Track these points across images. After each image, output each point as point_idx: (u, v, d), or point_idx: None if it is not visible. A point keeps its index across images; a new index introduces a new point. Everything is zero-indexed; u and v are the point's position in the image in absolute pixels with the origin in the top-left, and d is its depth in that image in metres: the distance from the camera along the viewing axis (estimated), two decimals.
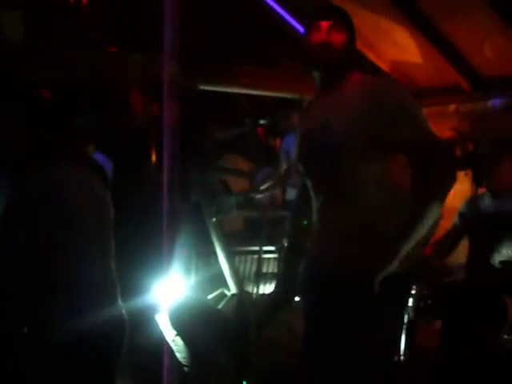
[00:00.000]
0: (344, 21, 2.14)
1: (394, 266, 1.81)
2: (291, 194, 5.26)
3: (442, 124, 6.09)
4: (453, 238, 3.38)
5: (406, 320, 3.19)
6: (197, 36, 5.57)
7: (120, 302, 2.14)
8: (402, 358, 3.22)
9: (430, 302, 3.15)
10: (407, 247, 1.82)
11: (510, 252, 2.18)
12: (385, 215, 1.94)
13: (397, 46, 5.90)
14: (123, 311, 2.16)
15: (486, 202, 3.22)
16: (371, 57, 6.18)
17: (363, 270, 1.82)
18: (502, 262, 2.23)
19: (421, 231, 1.82)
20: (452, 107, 5.95)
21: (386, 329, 1.99)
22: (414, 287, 3.17)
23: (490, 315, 2.47)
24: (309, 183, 2.19)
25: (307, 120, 2.27)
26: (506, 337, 3.82)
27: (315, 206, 2.14)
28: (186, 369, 3.60)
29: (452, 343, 3.19)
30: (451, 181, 1.85)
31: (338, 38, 2.09)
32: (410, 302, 3.18)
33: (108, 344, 2.00)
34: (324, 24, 2.09)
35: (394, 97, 1.95)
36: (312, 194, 2.17)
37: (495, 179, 3.06)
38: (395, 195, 1.95)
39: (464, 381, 3.19)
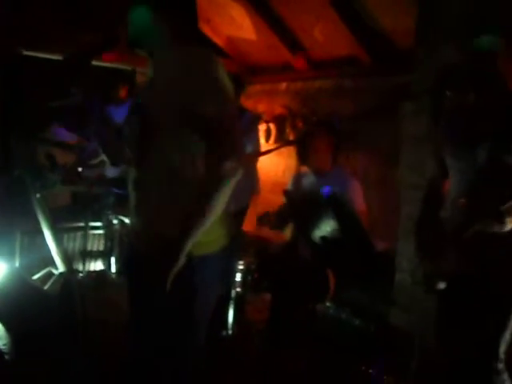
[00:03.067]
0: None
1: (181, 261, 1.82)
2: (112, 171, 5.08)
3: (274, 101, 6.28)
4: (282, 214, 3.49)
5: (233, 295, 3.25)
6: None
7: None
8: (229, 332, 3.28)
9: (257, 275, 3.24)
10: (191, 239, 1.83)
11: (328, 228, 2.29)
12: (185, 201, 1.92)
13: (233, 22, 5.93)
14: None
15: (309, 179, 3.37)
16: (207, 31, 6.14)
17: (159, 261, 1.83)
18: (322, 238, 2.33)
19: (206, 222, 1.85)
20: (283, 85, 6.13)
21: (200, 307, 2.00)
22: (241, 262, 3.25)
23: (314, 286, 2.58)
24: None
25: (137, 94, 2.18)
26: (328, 304, 4.08)
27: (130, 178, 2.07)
28: (6, 356, 3.37)
29: (279, 314, 3.30)
30: (235, 176, 1.87)
31: None
32: (238, 276, 3.25)
33: None
34: None
35: (205, 72, 1.89)
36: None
37: (315, 157, 3.20)
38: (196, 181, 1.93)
39: (289, 348, 3.32)
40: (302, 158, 2.82)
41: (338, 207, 2.21)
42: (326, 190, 2.91)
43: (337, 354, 3.56)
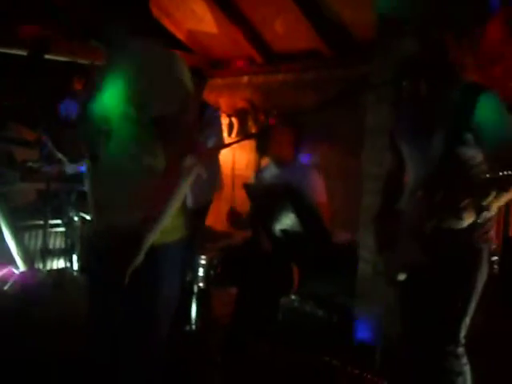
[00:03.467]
0: None
1: (140, 257, 1.81)
2: (72, 167, 4.99)
3: (236, 95, 6.26)
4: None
5: (195, 290, 3.23)
6: None
7: None
8: (193, 327, 3.26)
9: (219, 270, 3.22)
10: (151, 235, 1.82)
11: (288, 221, 2.28)
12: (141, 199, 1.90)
13: (194, 16, 5.88)
14: None
15: (270, 172, 3.37)
16: (168, 25, 6.08)
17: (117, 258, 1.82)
18: (282, 231, 2.32)
19: (165, 217, 1.84)
20: (245, 79, 6.11)
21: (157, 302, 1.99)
22: (203, 257, 3.23)
23: (278, 280, 2.58)
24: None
25: (92, 88, 2.13)
26: (293, 297, 4.10)
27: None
28: None
29: (244, 308, 3.30)
30: (193, 172, 1.86)
31: None
32: (201, 271, 3.24)
33: None
34: None
35: (164, 70, 1.86)
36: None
37: (275, 150, 3.19)
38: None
39: (254, 341, 3.32)
40: (262, 150, 2.81)
41: (297, 200, 2.21)
42: (283, 183, 2.92)
43: (301, 346, 3.58)
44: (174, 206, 1.90)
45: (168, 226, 1.93)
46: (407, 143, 2.32)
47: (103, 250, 2.00)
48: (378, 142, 3.83)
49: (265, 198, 2.51)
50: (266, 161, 3.35)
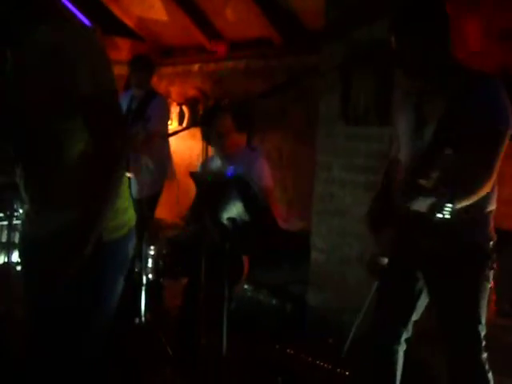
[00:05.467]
0: None
1: (86, 253, 1.73)
2: None
3: (187, 83, 6.18)
4: (195, 208, 3.41)
5: (144, 281, 3.17)
6: None
7: None
8: (142, 319, 3.20)
9: (169, 261, 3.17)
10: (97, 227, 1.75)
11: (235, 210, 2.24)
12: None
13: (143, 2, 5.76)
14: None
15: (216, 161, 3.32)
16: (116, 11, 5.94)
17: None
18: (229, 219, 2.29)
19: (108, 205, 1.77)
20: (196, 67, 6.04)
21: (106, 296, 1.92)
22: (152, 248, 3.17)
23: (227, 269, 2.53)
24: None
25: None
26: (246, 286, 4.08)
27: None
28: None
29: (193, 298, 3.25)
30: (123, 153, 1.79)
31: None
32: (150, 262, 3.17)
33: None
34: None
35: (76, 46, 1.75)
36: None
37: (219, 138, 3.14)
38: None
39: (206, 331, 3.29)
40: (207, 139, 2.75)
41: (243, 188, 2.17)
42: (229, 171, 2.87)
43: (255, 334, 3.57)
44: (115, 192, 1.80)
45: (114, 223, 1.86)
46: (403, 133, 2.27)
47: (40, 248, 1.90)
48: (330, 130, 3.83)
49: (211, 186, 2.47)
50: (212, 149, 3.30)
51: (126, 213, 1.95)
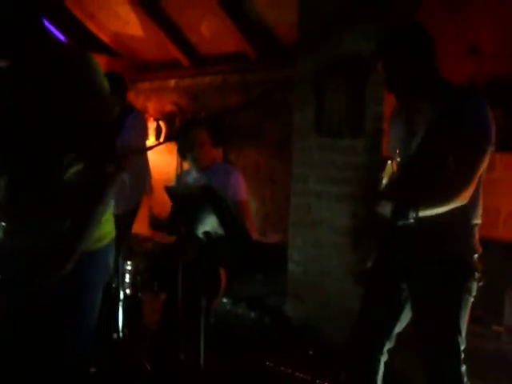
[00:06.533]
0: None
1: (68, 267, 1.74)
2: None
3: (163, 98, 6.19)
4: (173, 219, 3.40)
5: (122, 296, 3.16)
6: None
7: None
8: (120, 334, 3.18)
9: (146, 276, 3.17)
10: (81, 245, 1.76)
11: (210, 223, 2.26)
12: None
13: (118, 18, 5.76)
14: None
15: (192, 175, 3.34)
16: (92, 27, 5.93)
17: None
18: (205, 233, 2.30)
19: (93, 226, 1.78)
20: (172, 82, 6.06)
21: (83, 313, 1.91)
22: (129, 263, 3.16)
23: (205, 283, 2.54)
24: None
25: None
26: (224, 300, 4.07)
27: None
28: None
29: (171, 313, 3.24)
30: (115, 179, 1.81)
31: None
32: (127, 277, 3.17)
33: None
34: None
35: (82, 71, 1.75)
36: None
37: (194, 152, 3.16)
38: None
39: (185, 346, 3.27)
40: (183, 153, 2.76)
41: (217, 202, 2.19)
42: (204, 184, 2.88)
43: (234, 348, 3.56)
44: (102, 214, 1.82)
45: (97, 234, 1.86)
46: (396, 142, 2.30)
47: (23, 261, 1.90)
48: (305, 142, 3.86)
49: (186, 200, 2.48)
50: (187, 164, 3.32)
51: (109, 223, 1.96)
